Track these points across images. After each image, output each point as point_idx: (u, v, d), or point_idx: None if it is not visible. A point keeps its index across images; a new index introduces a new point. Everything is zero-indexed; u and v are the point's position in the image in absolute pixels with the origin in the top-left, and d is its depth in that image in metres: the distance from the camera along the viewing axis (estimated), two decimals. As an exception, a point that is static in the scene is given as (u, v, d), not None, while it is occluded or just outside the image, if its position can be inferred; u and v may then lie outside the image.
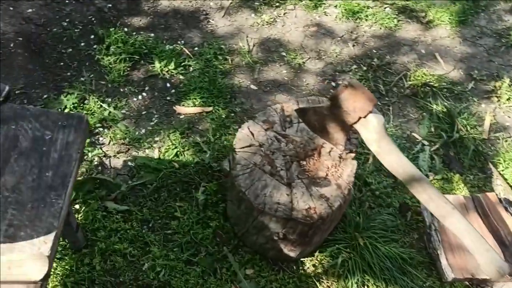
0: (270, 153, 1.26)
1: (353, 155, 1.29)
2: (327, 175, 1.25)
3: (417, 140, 1.68)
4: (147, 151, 1.56)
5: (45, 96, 1.63)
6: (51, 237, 0.84)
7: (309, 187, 1.21)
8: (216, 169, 1.51)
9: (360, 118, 1.16)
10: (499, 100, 1.84)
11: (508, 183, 1.60)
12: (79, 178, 1.44)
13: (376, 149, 1.18)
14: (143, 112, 1.66)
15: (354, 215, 1.44)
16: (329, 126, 1.25)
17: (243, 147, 1.26)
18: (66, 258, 1.29)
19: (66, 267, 1.27)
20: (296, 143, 1.28)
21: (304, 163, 1.26)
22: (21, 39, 1.79)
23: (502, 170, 1.63)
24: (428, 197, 1.18)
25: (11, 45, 1.76)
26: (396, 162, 1.19)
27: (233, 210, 1.35)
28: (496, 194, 1.55)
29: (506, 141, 1.71)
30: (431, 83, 1.84)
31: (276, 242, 1.28)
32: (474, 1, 2.23)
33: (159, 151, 1.56)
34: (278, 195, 1.19)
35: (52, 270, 1.24)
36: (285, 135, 1.29)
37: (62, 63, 1.75)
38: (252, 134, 1.29)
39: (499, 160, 1.65)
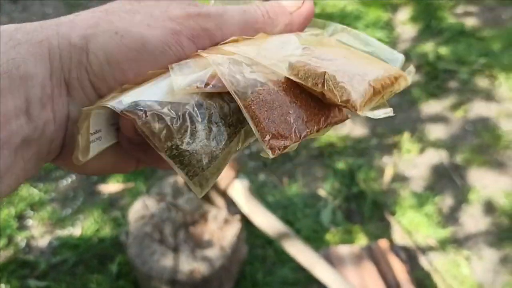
0: (161, 222, 1.41)
1: (238, 216, 1.44)
2: (212, 238, 1.40)
3: (322, 197, 1.83)
4: (71, 229, 1.72)
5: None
6: None
7: (194, 251, 1.35)
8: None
9: (227, 185, 1.33)
10: (399, 152, 2.01)
11: (406, 229, 1.73)
12: (4, 261, 1.59)
13: (246, 211, 1.34)
14: (71, 194, 1.84)
15: (255, 272, 1.56)
16: (209, 192, 1.41)
17: (136, 219, 1.42)
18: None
19: None
20: (185, 211, 1.44)
21: (192, 228, 1.41)
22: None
23: (399, 217, 1.77)
24: (296, 250, 1.32)
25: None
26: (264, 221, 1.34)
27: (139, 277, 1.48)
28: (392, 241, 1.68)
29: (404, 189, 1.86)
30: (336, 143, 2.03)
31: (173, 304, 1.40)
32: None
33: (81, 228, 1.72)
34: (164, 260, 1.33)
35: None
36: (175, 204, 1.46)
37: None
38: (146, 206, 1.45)
39: (396, 208, 1.79)
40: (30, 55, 0.23)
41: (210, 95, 0.26)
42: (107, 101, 0.25)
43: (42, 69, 0.24)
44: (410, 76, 0.31)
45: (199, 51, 0.27)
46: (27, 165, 0.24)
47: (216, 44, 0.28)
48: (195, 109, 0.25)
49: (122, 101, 0.24)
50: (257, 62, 0.27)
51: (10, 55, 0.23)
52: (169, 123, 0.24)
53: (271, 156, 0.25)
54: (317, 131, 0.28)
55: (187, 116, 0.25)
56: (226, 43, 0.28)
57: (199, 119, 0.25)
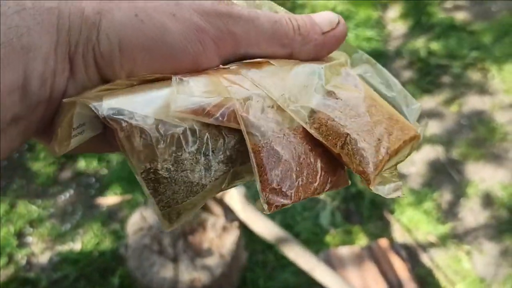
0: (159, 233, 1.41)
1: (236, 223, 1.44)
2: (211, 246, 1.40)
3: (320, 199, 1.83)
4: (71, 244, 1.72)
5: (-19, 206, 1.83)
6: None
7: (194, 260, 1.35)
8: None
9: (223, 192, 1.33)
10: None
11: (406, 227, 1.73)
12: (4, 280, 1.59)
13: (244, 217, 1.34)
14: (69, 209, 1.84)
15: (256, 278, 1.56)
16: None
17: (135, 231, 1.42)
18: None
19: None
20: (183, 220, 1.44)
21: (191, 237, 1.41)
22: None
23: (399, 216, 1.77)
24: (295, 254, 1.32)
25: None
26: (262, 227, 1.34)
27: (140, 289, 1.48)
28: (392, 239, 1.68)
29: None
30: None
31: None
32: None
33: (81, 243, 1.72)
34: (164, 271, 1.33)
35: None
36: (173, 215, 1.45)
37: (-2, 174, 1.96)
38: (144, 218, 1.45)
39: (395, 206, 1.79)
40: (35, 22, 0.21)
41: (207, 124, 0.24)
42: (94, 98, 0.22)
43: (48, 39, 0.21)
44: (422, 134, 0.30)
45: (221, 77, 0.25)
46: (12, 143, 0.22)
47: (237, 51, 0.26)
48: (187, 134, 0.23)
49: (108, 105, 0.22)
50: (277, 105, 0.25)
51: (13, 21, 0.20)
52: (153, 143, 0.22)
53: (266, 211, 0.24)
54: (318, 194, 0.27)
55: (175, 140, 0.23)
56: (248, 63, 0.26)
57: (188, 147, 0.23)
